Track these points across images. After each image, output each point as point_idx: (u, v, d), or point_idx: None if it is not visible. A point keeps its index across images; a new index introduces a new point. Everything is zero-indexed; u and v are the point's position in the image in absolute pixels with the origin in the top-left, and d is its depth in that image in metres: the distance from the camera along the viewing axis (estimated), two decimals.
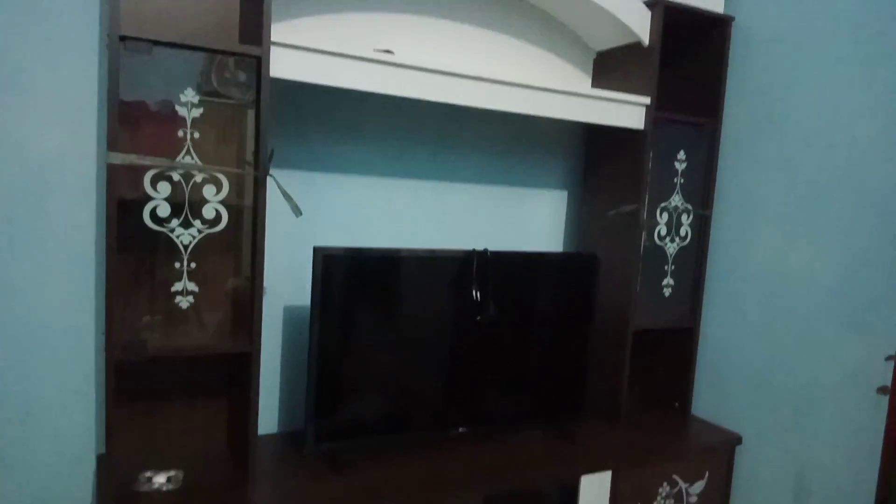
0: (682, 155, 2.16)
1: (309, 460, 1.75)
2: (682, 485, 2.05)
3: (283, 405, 1.96)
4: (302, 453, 1.76)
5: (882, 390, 1.79)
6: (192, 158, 1.47)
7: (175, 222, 1.47)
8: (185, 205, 1.48)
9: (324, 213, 1.93)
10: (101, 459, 1.67)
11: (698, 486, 2.09)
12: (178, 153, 1.47)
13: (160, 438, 1.74)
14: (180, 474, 1.58)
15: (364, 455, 1.79)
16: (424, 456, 1.84)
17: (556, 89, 1.88)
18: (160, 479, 1.55)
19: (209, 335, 1.58)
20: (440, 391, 1.92)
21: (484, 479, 1.75)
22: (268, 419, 1.91)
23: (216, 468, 1.68)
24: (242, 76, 1.56)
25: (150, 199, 1.44)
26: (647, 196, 2.07)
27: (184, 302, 1.51)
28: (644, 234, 2.10)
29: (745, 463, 2.15)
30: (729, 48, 2.17)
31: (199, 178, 1.49)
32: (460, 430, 1.90)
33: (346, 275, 1.72)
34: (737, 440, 2.14)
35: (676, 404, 2.32)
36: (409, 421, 1.87)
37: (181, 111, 1.46)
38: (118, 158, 1.39)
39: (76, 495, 1.69)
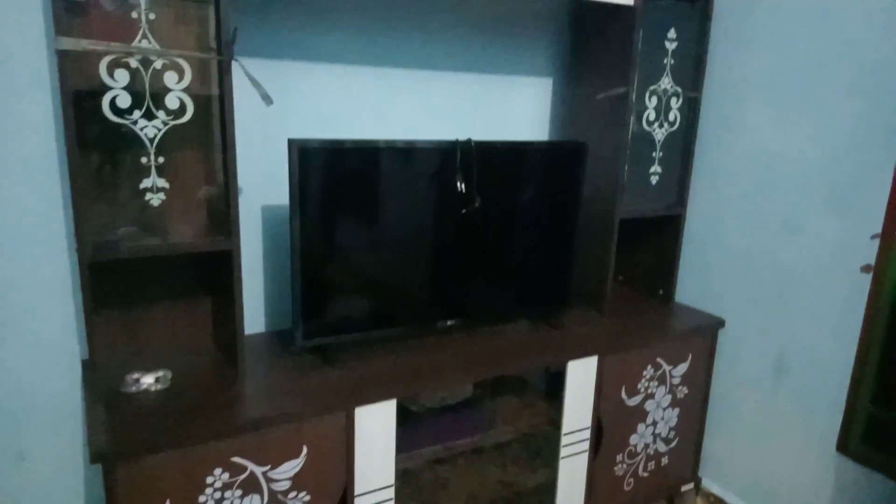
0: (672, 34, 2.06)
1: (298, 356, 1.75)
2: (666, 367, 2.10)
3: (268, 305, 1.94)
4: (290, 350, 1.76)
5: (865, 269, 1.81)
6: (150, 42, 1.36)
7: (137, 114, 1.38)
8: (147, 94, 1.37)
9: (296, 105, 1.83)
10: (85, 364, 1.65)
11: (681, 368, 2.14)
12: (134, 37, 1.35)
13: (144, 341, 1.72)
14: (168, 374, 1.57)
15: (353, 350, 1.79)
16: (413, 348, 1.85)
17: None
18: (148, 380, 1.54)
19: (185, 234, 1.53)
20: (427, 285, 1.90)
21: (474, 367, 1.77)
22: (253, 319, 1.90)
23: (205, 367, 1.67)
24: None
25: (108, 88, 1.34)
26: (636, 78, 1.98)
27: (155, 199, 1.44)
28: (632, 120, 2.03)
29: (728, 345, 2.21)
30: None
31: (158, 64, 1.38)
32: (448, 322, 1.91)
33: (324, 168, 1.65)
34: (720, 323, 2.18)
35: (661, 291, 2.34)
36: (397, 315, 1.87)
37: None
38: (69, 44, 1.28)
39: (64, 400, 1.68)
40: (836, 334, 1.88)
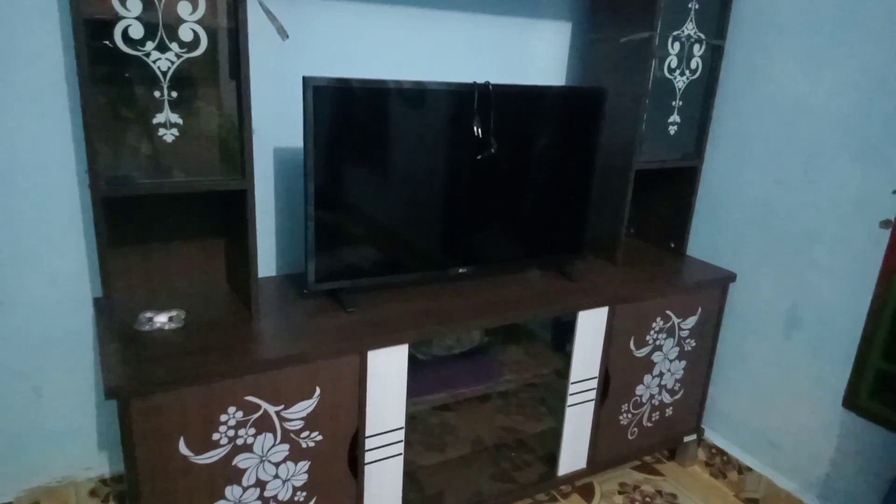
0: None
1: (311, 299, 1.75)
2: (675, 319, 2.11)
3: (280, 249, 1.93)
4: (303, 293, 1.75)
5: (885, 224, 1.78)
6: None
7: (150, 45, 1.33)
8: (160, 25, 1.33)
9: (311, 42, 1.78)
10: (97, 302, 1.65)
11: (690, 321, 2.15)
12: None
13: (158, 280, 1.71)
14: (182, 314, 1.57)
15: (366, 295, 1.79)
16: (427, 295, 1.84)
17: None
18: (162, 319, 1.53)
19: (199, 171, 1.50)
20: (440, 231, 1.89)
21: (484, 313, 1.77)
22: (266, 262, 1.89)
23: (218, 307, 1.67)
24: None
25: (120, 18, 1.29)
26: (659, 23, 1.92)
27: (168, 135, 1.41)
28: (654, 65, 1.97)
29: (739, 298, 2.20)
30: None
31: None
32: (460, 270, 1.90)
33: (340, 109, 1.61)
34: (731, 277, 2.18)
35: (672, 245, 2.32)
36: (409, 261, 1.85)
37: None
38: None
39: (77, 338, 1.69)
40: (850, 289, 1.87)
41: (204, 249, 1.76)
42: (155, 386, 1.33)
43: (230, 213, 1.66)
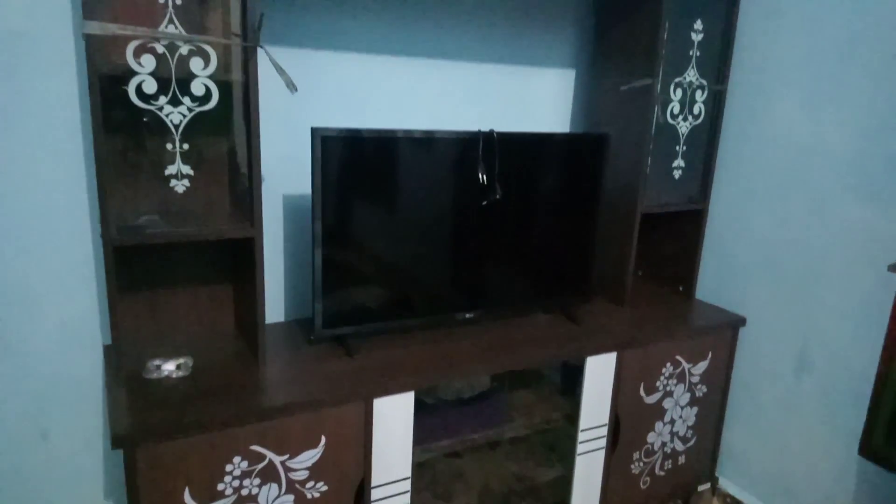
0: (698, 24, 2.03)
1: (318, 345, 1.75)
2: (686, 365, 2.08)
3: (288, 295, 1.94)
4: (310, 339, 1.76)
5: (893, 268, 1.77)
6: (176, 28, 1.35)
7: (163, 99, 1.38)
8: (172, 80, 1.37)
9: (319, 92, 1.82)
10: (107, 349, 1.66)
11: (701, 367, 2.12)
12: (161, 22, 1.35)
13: (167, 327, 1.73)
14: (189, 361, 1.58)
15: (372, 340, 1.79)
16: (433, 339, 1.84)
17: None
18: (170, 367, 1.54)
19: (209, 220, 1.52)
20: (446, 276, 1.90)
21: (491, 359, 1.76)
22: (273, 308, 1.90)
23: (225, 354, 1.67)
24: None
25: (134, 73, 1.34)
26: (661, 71, 1.96)
27: (179, 186, 1.44)
28: (657, 112, 2.00)
29: (749, 341, 2.18)
30: None
31: (184, 49, 1.37)
32: (467, 315, 1.90)
33: (347, 158, 1.64)
34: (741, 322, 2.16)
35: (681, 288, 2.32)
36: (416, 306, 1.86)
37: None
38: (96, 28, 1.27)
39: (85, 383, 1.69)
40: (861, 332, 1.85)
41: (212, 295, 1.77)
42: (161, 436, 1.32)
43: (239, 259, 1.68)
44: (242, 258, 1.62)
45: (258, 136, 1.46)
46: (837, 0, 1.84)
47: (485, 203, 1.80)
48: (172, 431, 1.33)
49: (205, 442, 1.37)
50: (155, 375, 1.52)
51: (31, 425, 1.65)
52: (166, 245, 1.64)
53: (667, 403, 2.08)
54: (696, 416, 2.17)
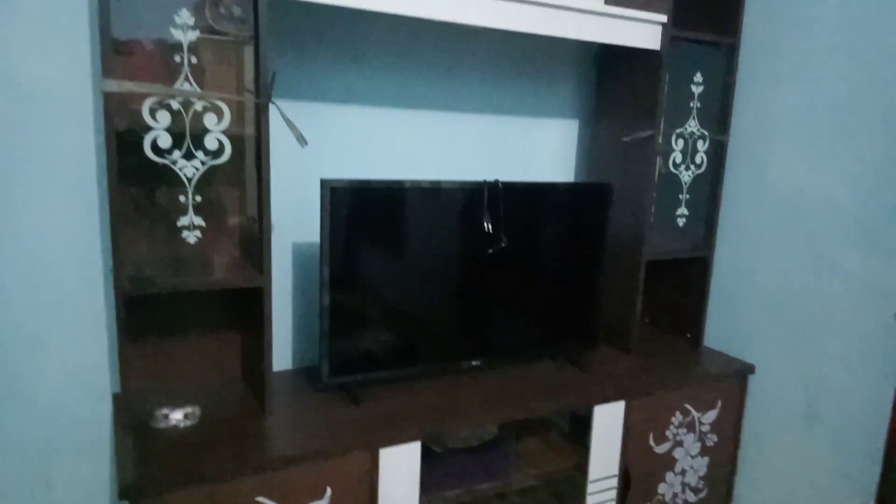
0: (698, 77, 2.08)
1: (324, 393, 1.75)
2: (695, 414, 2.06)
3: (296, 342, 1.95)
4: (317, 387, 1.76)
5: None
6: (191, 85, 1.41)
7: (177, 154, 1.42)
8: (187, 135, 1.42)
9: (329, 144, 1.87)
10: (116, 398, 1.67)
11: (711, 415, 2.10)
12: (176, 80, 1.40)
13: (175, 375, 1.74)
14: (197, 410, 1.58)
15: (379, 388, 1.79)
16: (440, 387, 1.84)
17: (568, 6, 1.79)
18: (177, 416, 1.55)
19: (219, 270, 1.55)
20: (453, 324, 1.90)
21: (498, 408, 1.76)
22: (281, 356, 1.91)
23: (232, 402, 1.68)
24: (238, 10, 1.48)
25: (149, 129, 1.39)
26: (662, 122, 2.00)
27: (191, 237, 1.47)
28: (659, 162, 2.03)
29: (758, 390, 2.16)
30: None
31: (199, 106, 1.42)
32: (473, 363, 1.90)
33: (355, 208, 1.67)
34: (749, 369, 2.14)
35: (689, 335, 2.31)
36: (423, 354, 1.86)
37: (177, 35, 1.39)
38: (113, 86, 1.33)
39: (93, 433, 1.70)
40: (870, 381, 1.83)
41: (220, 343, 1.79)
42: (168, 487, 1.32)
43: (247, 308, 1.70)
44: (251, 307, 1.64)
45: (269, 188, 1.50)
46: (835, 56, 1.89)
47: (490, 252, 1.82)
48: (179, 483, 1.33)
49: (211, 493, 1.36)
50: (163, 424, 1.53)
51: (36, 475, 1.64)
52: (176, 294, 1.67)
53: (677, 453, 2.05)
54: (708, 466, 2.13)
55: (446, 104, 2.04)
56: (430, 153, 2.04)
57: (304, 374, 1.90)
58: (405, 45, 1.93)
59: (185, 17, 1.38)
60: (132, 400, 1.55)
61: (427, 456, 1.65)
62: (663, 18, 1.91)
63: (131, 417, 1.53)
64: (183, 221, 1.46)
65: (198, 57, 1.42)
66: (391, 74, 1.93)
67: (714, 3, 2.12)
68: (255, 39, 1.44)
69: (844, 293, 1.89)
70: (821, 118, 1.93)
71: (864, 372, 1.85)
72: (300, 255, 1.90)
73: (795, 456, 2.05)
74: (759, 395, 2.15)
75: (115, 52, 1.34)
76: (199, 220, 1.47)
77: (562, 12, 1.78)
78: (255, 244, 1.55)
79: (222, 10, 1.48)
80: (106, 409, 1.70)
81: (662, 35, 1.93)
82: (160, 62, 1.41)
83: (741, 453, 2.21)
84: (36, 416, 1.62)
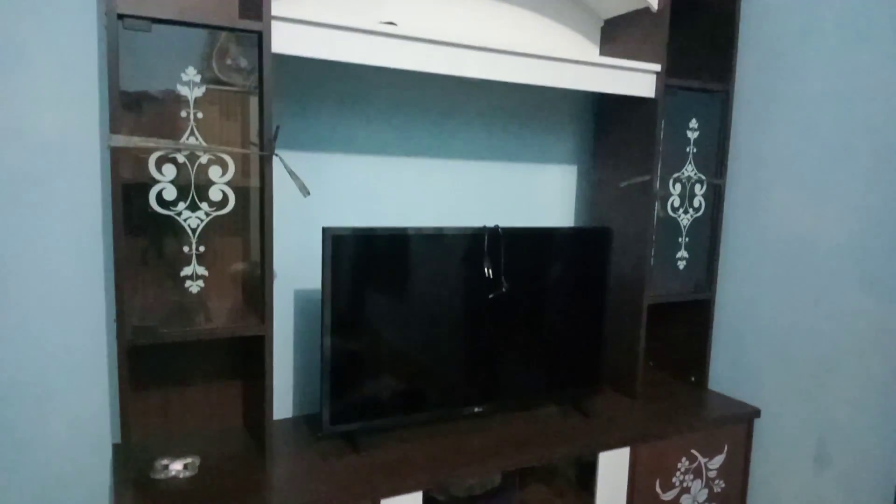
0: (694, 123, 2.12)
1: (326, 441, 1.74)
2: (701, 459, 2.03)
3: (297, 390, 1.94)
4: (318, 435, 1.75)
5: None
6: (197, 139, 1.44)
7: (182, 205, 1.45)
8: (192, 187, 1.45)
9: (331, 193, 1.90)
10: (116, 448, 1.66)
11: (718, 461, 2.07)
12: (182, 134, 1.44)
13: (175, 424, 1.73)
14: (197, 460, 1.57)
15: (380, 436, 1.77)
16: (441, 434, 1.82)
17: (565, 58, 1.84)
18: (177, 467, 1.54)
19: (221, 319, 1.56)
20: (455, 370, 1.90)
21: (502, 456, 1.74)
22: (283, 404, 1.90)
23: (233, 453, 1.67)
24: (244, 62, 1.52)
25: (155, 182, 1.42)
26: (659, 167, 2.03)
27: (194, 286, 1.49)
28: (657, 206, 2.06)
29: (765, 434, 2.13)
30: (740, 8, 2.11)
31: (204, 159, 1.46)
32: (476, 409, 1.89)
33: (356, 255, 1.69)
34: (755, 413, 2.12)
35: (693, 378, 2.29)
36: (425, 400, 1.85)
37: (183, 91, 1.43)
38: (121, 141, 1.36)
39: (93, 483, 1.68)
40: (878, 422, 1.81)
41: (222, 391, 1.78)
42: None
43: (249, 356, 1.70)
44: (253, 355, 1.64)
45: (272, 237, 1.52)
46: (827, 101, 1.92)
47: (491, 297, 1.83)
48: None
49: None
50: (162, 475, 1.52)
51: None
52: (178, 343, 1.67)
53: (684, 500, 2.02)
54: None
55: (447, 152, 2.08)
56: (432, 200, 2.07)
57: (306, 421, 1.89)
58: (406, 95, 1.98)
59: (191, 74, 1.42)
60: (132, 450, 1.54)
61: None
62: (657, 67, 1.96)
63: (131, 468, 1.52)
64: (186, 271, 1.47)
65: (203, 111, 1.45)
66: (392, 124, 1.97)
67: (708, 51, 2.18)
68: (260, 93, 1.48)
69: (850, 334, 1.89)
70: (816, 161, 1.96)
71: (873, 414, 1.83)
72: (302, 301, 1.91)
73: (806, 501, 2.01)
74: (767, 439, 2.12)
75: (123, 108, 1.37)
76: (202, 270, 1.48)
77: (558, 63, 1.83)
78: (257, 292, 1.57)
79: (229, 61, 1.52)
80: (106, 459, 1.69)
81: (657, 83, 1.98)
82: (167, 117, 1.45)
83: (749, 499, 2.16)
84: (36, 468, 1.62)
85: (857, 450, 1.87)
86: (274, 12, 1.45)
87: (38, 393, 1.61)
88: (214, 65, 1.50)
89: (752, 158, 2.14)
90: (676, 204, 2.13)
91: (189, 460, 1.55)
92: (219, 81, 1.50)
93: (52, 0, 1.51)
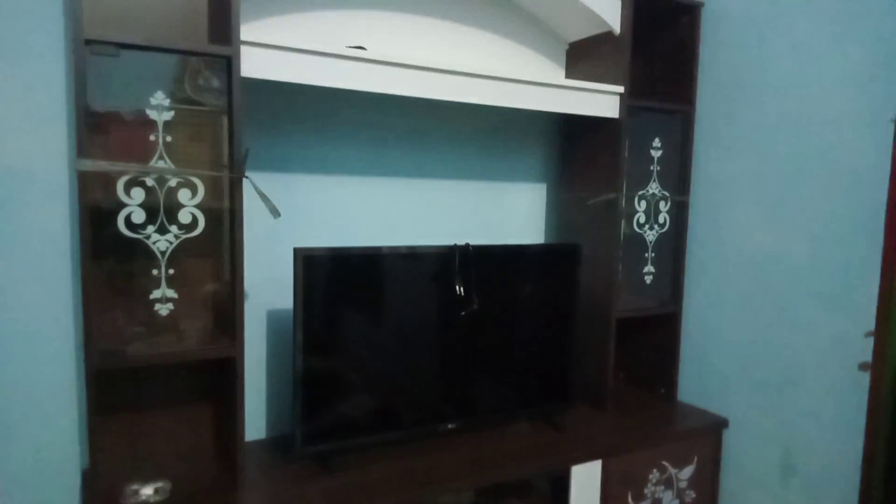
0: (657, 142, 2.18)
1: (298, 463, 1.73)
2: (672, 470, 2.07)
3: (269, 410, 1.94)
4: (291, 457, 1.74)
5: (863, 366, 1.82)
6: (166, 162, 1.45)
7: (151, 228, 1.45)
8: (161, 210, 1.45)
9: (302, 214, 1.92)
10: (85, 474, 1.63)
11: (687, 471, 2.11)
12: (151, 157, 1.44)
13: (145, 449, 1.71)
14: (167, 485, 1.56)
15: (354, 455, 1.78)
16: (415, 453, 1.83)
17: (530, 81, 1.88)
18: (147, 492, 1.52)
19: (191, 341, 1.56)
20: (428, 388, 1.91)
21: (475, 473, 1.75)
22: (255, 425, 1.89)
23: (204, 476, 1.65)
24: (216, 82, 1.53)
25: (124, 205, 1.42)
26: (624, 184, 2.08)
27: (163, 309, 1.48)
28: (623, 223, 2.11)
29: (733, 445, 2.17)
30: (700, 34, 2.19)
31: (173, 182, 1.46)
32: (449, 426, 1.90)
33: (327, 275, 1.70)
34: (723, 423, 2.16)
35: (662, 390, 2.33)
36: (398, 419, 1.86)
37: (152, 115, 1.44)
38: (88, 165, 1.36)
39: None
40: (840, 433, 1.86)
41: (192, 414, 1.77)
42: None
43: (220, 377, 1.70)
44: (224, 376, 1.64)
45: (242, 258, 1.53)
46: (784, 123, 1.99)
47: (463, 314, 1.85)
48: None
49: None
50: (132, 501, 1.50)
51: None
52: (147, 366, 1.66)
53: None
54: None
55: (417, 171, 2.11)
56: (403, 220, 2.09)
57: (277, 442, 1.88)
58: (377, 117, 2.00)
59: (159, 98, 1.43)
60: (101, 475, 1.52)
61: None
62: (620, 89, 2.01)
63: (100, 494, 1.50)
64: (156, 294, 1.47)
65: (172, 135, 1.46)
66: (362, 144, 2.00)
67: (669, 73, 2.25)
68: (229, 116, 1.50)
69: (810, 347, 1.94)
70: (774, 180, 2.02)
71: (834, 423, 1.88)
72: (274, 321, 1.91)
73: None
74: (735, 449, 2.17)
75: (90, 131, 1.37)
76: (171, 293, 1.48)
77: (524, 86, 1.87)
78: (228, 313, 1.57)
79: (201, 81, 1.54)
80: (74, 485, 1.66)
81: (620, 104, 2.03)
82: (135, 141, 1.45)
83: None
84: (2, 495, 1.58)
85: (820, 459, 1.92)
86: (243, 37, 1.47)
87: (3, 420, 1.57)
88: (187, 85, 1.51)
89: (714, 177, 2.20)
90: (642, 220, 2.18)
91: (160, 484, 1.54)
92: (191, 101, 1.51)
93: (18, 25, 1.50)
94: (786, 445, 2.01)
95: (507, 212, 2.31)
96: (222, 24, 1.50)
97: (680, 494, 2.10)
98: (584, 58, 2.18)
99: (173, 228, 1.47)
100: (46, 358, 1.60)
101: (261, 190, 1.54)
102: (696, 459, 2.12)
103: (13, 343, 1.57)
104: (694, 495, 2.13)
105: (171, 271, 1.48)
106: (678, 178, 2.24)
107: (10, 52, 1.51)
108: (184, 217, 1.47)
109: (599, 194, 2.10)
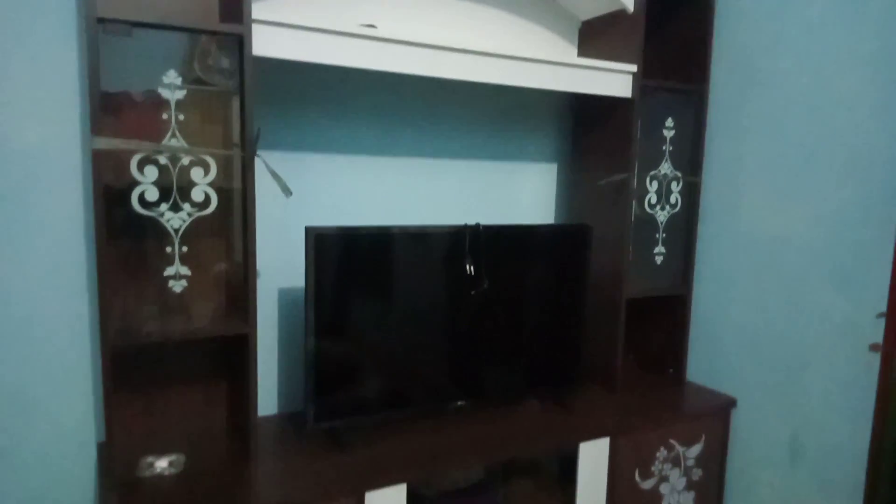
0: (669, 122, 2.16)
1: (310, 439, 1.76)
2: (680, 449, 2.08)
3: (281, 387, 1.96)
4: (302, 433, 1.77)
5: (874, 347, 1.81)
6: (178, 141, 1.46)
7: (164, 206, 1.46)
8: (174, 188, 1.46)
9: (314, 193, 1.92)
10: (101, 447, 1.67)
11: (695, 450, 2.12)
12: (164, 136, 1.45)
13: (160, 423, 1.74)
14: (182, 458, 1.59)
15: (364, 432, 1.80)
16: (425, 430, 1.85)
17: (543, 59, 1.87)
18: (162, 464, 1.56)
19: (205, 318, 1.58)
20: (438, 366, 1.93)
21: (485, 450, 1.77)
22: (267, 401, 1.92)
23: (217, 450, 1.69)
24: (226, 62, 1.54)
25: (137, 183, 1.43)
26: (636, 165, 2.07)
27: (177, 286, 1.50)
28: (634, 203, 2.10)
29: (741, 425, 2.18)
30: (714, 12, 2.16)
31: (185, 160, 1.47)
32: (459, 403, 1.92)
33: (339, 254, 1.72)
34: (732, 403, 2.17)
35: (671, 371, 2.34)
36: (409, 396, 1.88)
37: (165, 94, 1.44)
38: (103, 143, 1.38)
39: (78, 484, 1.69)
40: (849, 414, 1.87)
41: (206, 390, 1.80)
42: None
43: (233, 355, 1.72)
44: (236, 354, 1.66)
45: (254, 237, 1.54)
46: (796, 105, 1.96)
47: (473, 294, 1.86)
48: None
49: None
50: (147, 473, 1.54)
51: None
52: (162, 343, 1.69)
53: (663, 489, 2.06)
54: (694, 500, 2.15)
55: (429, 151, 2.11)
56: (414, 200, 2.10)
57: (290, 419, 1.91)
58: (387, 95, 2.00)
59: (172, 76, 1.44)
60: (117, 449, 1.56)
61: (414, 499, 1.66)
62: (633, 68, 1.99)
63: (116, 467, 1.53)
64: (169, 271, 1.49)
65: (185, 113, 1.47)
66: (374, 124, 2.00)
67: (682, 53, 2.22)
68: (241, 95, 1.50)
69: (820, 329, 1.94)
70: (787, 162, 2.01)
71: (843, 405, 1.88)
72: (286, 300, 1.93)
73: (781, 489, 2.07)
74: (743, 429, 2.18)
75: (103, 110, 1.38)
76: (185, 270, 1.50)
77: (536, 64, 1.86)
78: (240, 292, 1.59)
79: (211, 61, 1.54)
80: (91, 459, 1.70)
81: (633, 84, 2.02)
82: (148, 119, 1.46)
83: (727, 487, 2.22)
84: (22, 472, 1.62)
85: (829, 440, 1.92)
86: (254, 16, 1.47)
87: (24, 400, 1.61)
88: (196, 66, 1.52)
89: (727, 158, 2.19)
90: (654, 201, 2.17)
91: (174, 458, 1.57)
92: (201, 82, 1.52)
93: (30, 5, 1.51)
94: (794, 426, 2.02)
95: (518, 192, 2.30)
96: (233, 2, 1.50)
97: (687, 472, 2.11)
98: (596, 36, 2.16)
99: (186, 206, 1.48)
100: (64, 336, 1.64)
101: (272, 169, 1.55)
102: (703, 438, 2.13)
103: (32, 323, 1.60)
104: (701, 473, 2.15)
105: (185, 249, 1.49)
106: (690, 159, 2.22)
107: (23, 35, 1.52)
108: (197, 195, 1.49)
109: (611, 174, 2.09)
